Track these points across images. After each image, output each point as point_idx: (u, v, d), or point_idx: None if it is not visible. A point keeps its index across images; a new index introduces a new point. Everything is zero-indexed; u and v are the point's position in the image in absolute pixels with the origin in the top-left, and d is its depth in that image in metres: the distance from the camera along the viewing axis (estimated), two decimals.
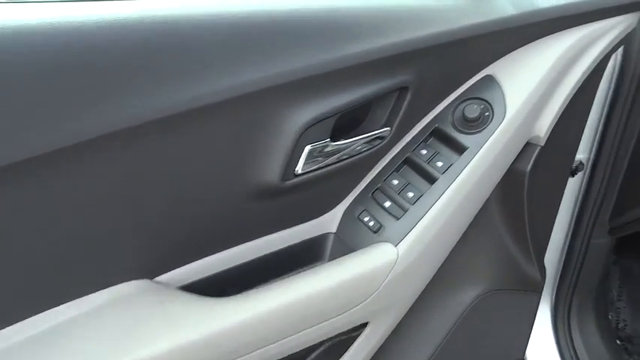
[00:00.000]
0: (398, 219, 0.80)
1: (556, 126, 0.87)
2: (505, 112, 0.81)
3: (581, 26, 0.85)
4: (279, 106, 0.67)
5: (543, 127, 0.86)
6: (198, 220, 0.70)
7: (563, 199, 1.13)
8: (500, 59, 0.84)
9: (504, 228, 0.98)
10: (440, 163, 0.81)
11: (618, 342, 1.49)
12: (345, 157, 0.78)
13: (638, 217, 1.18)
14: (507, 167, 0.86)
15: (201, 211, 0.69)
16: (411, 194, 0.81)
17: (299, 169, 0.73)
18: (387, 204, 0.82)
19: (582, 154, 1.13)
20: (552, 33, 0.84)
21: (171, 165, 0.63)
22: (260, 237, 0.79)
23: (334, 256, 0.83)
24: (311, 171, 0.75)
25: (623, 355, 1.40)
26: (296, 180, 0.74)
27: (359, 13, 0.72)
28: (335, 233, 0.85)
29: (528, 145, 0.88)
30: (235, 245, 0.77)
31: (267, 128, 0.68)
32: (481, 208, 0.89)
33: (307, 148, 0.72)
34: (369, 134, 0.79)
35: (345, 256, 0.77)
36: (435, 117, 0.85)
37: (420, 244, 0.78)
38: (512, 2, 0.83)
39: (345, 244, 0.83)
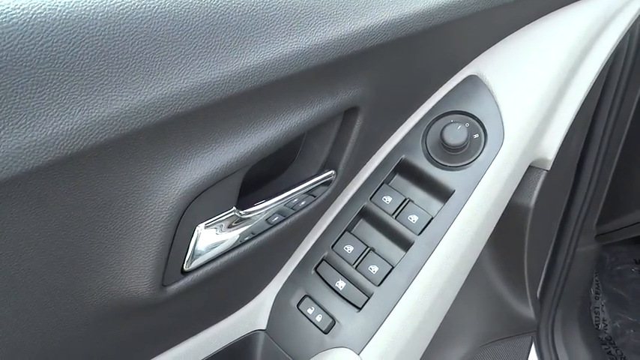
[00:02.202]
0: (359, 309, 0.52)
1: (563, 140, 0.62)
2: (503, 132, 0.54)
3: None
4: (138, 167, 0.36)
5: (552, 145, 0.60)
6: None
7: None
8: (487, 51, 0.57)
9: (497, 273, 0.73)
10: (414, 218, 0.54)
11: (602, 347, 1.36)
12: (267, 227, 0.49)
13: (632, 224, 0.99)
14: (505, 206, 0.60)
15: (37, 346, 0.39)
16: (374, 268, 0.53)
17: (188, 264, 0.43)
18: (340, 285, 0.54)
19: None
20: (559, 7, 0.57)
21: None
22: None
23: None
24: (211, 260, 0.45)
25: None
26: (185, 280, 0.44)
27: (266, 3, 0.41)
28: (265, 331, 0.56)
29: (531, 171, 0.62)
30: None
31: (121, 207, 0.37)
32: None
33: (199, 229, 0.42)
34: (302, 186, 0.50)
35: None
36: (398, 145, 0.57)
37: (393, 348, 0.51)
38: None
39: (280, 348, 0.55)
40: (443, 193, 0.54)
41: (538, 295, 1.14)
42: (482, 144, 0.54)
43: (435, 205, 0.54)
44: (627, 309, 1.40)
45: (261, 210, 0.46)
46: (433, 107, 0.57)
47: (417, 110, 0.57)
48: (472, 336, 0.79)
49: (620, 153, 0.98)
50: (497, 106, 0.55)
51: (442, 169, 0.54)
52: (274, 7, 0.41)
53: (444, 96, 0.57)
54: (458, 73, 0.57)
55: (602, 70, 0.63)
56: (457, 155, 0.55)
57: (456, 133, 0.54)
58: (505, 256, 0.70)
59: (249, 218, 0.46)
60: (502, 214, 0.62)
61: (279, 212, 0.49)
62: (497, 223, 0.62)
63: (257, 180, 0.51)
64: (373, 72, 0.48)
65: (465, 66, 0.57)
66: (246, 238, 0.47)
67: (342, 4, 0.45)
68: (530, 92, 0.55)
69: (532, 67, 0.56)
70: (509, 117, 0.54)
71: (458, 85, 0.57)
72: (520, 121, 0.55)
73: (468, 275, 0.63)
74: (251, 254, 0.48)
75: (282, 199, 0.48)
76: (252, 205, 0.46)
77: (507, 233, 0.65)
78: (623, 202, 1.01)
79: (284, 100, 0.43)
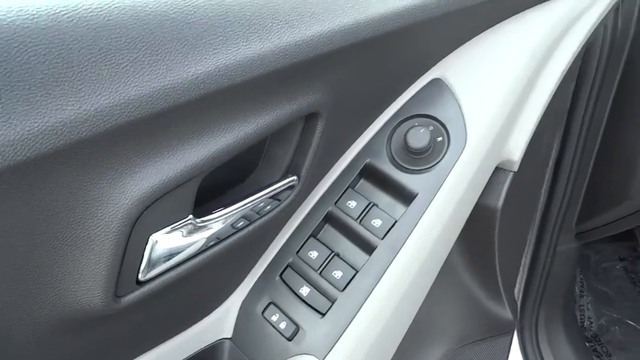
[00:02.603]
0: (323, 315, 0.52)
1: (531, 140, 0.62)
2: (466, 135, 0.54)
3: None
4: (86, 177, 0.36)
5: (517, 147, 0.60)
6: None
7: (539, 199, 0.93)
8: (452, 54, 0.57)
9: (470, 274, 0.73)
10: (377, 222, 0.53)
11: (587, 344, 1.37)
12: (229, 234, 0.48)
13: (610, 222, 1.00)
14: (471, 208, 0.60)
15: None
16: (338, 273, 0.53)
17: (143, 274, 0.43)
18: (304, 291, 0.53)
19: None
20: (522, 10, 0.57)
21: None
22: None
23: None
24: (169, 269, 0.45)
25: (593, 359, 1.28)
26: (141, 291, 0.43)
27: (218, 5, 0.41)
28: (230, 339, 0.56)
29: (497, 172, 0.62)
30: None
31: (70, 218, 0.37)
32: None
33: (154, 238, 0.42)
34: (263, 192, 0.49)
35: None
36: (363, 149, 0.57)
37: (358, 353, 0.51)
38: None
39: (246, 356, 0.54)
40: (406, 197, 0.54)
41: (521, 294, 1.14)
42: (446, 147, 0.54)
43: (399, 209, 0.54)
44: (612, 306, 1.41)
45: (219, 218, 0.46)
46: (398, 111, 0.57)
47: (382, 114, 0.57)
48: (449, 337, 0.79)
49: (597, 151, 0.98)
50: (460, 108, 0.55)
51: (406, 172, 0.54)
52: (228, 13, 0.40)
53: (409, 99, 0.57)
54: (422, 77, 0.57)
55: (572, 69, 0.63)
56: (421, 159, 0.54)
57: (418, 137, 0.53)
58: (476, 258, 0.70)
59: (206, 226, 0.45)
60: (470, 216, 0.62)
61: (241, 219, 0.48)
62: (466, 225, 0.62)
63: (219, 186, 0.50)
64: (333, 77, 0.48)
65: (429, 69, 0.57)
66: (206, 246, 0.47)
67: (298, 8, 0.44)
68: (492, 94, 0.55)
69: (494, 69, 0.56)
70: (471, 119, 0.54)
71: (422, 88, 0.57)
72: (482, 123, 0.54)
73: (441, 277, 0.63)
74: (213, 262, 0.48)
75: (242, 205, 0.48)
76: (211, 213, 0.46)
77: (477, 234, 0.65)
78: (601, 201, 1.02)
79: (239, 107, 0.43)
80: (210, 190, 0.48)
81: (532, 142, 0.63)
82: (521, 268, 1.12)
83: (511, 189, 0.63)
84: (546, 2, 0.59)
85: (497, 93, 0.55)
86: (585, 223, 1.07)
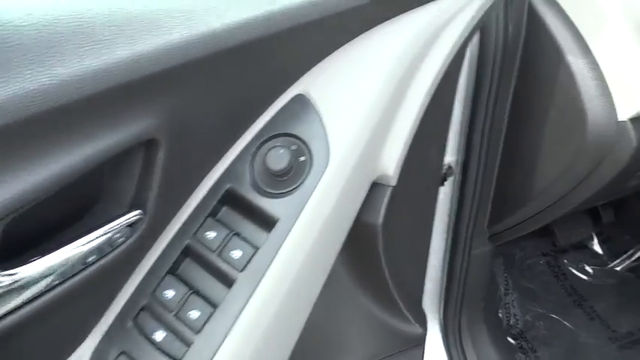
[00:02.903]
0: None
1: (410, 151, 0.60)
2: (328, 153, 0.51)
3: (427, 5, 0.57)
4: None
5: (391, 160, 0.57)
6: None
7: (436, 210, 0.92)
8: (316, 67, 0.54)
9: (363, 292, 0.70)
10: (237, 253, 0.49)
11: (513, 342, 1.39)
12: (60, 280, 0.43)
13: (519, 222, 1.01)
14: (348, 227, 0.57)
15: None
16: (195, 314, 0.48)
17: None
18: (159, 336, 0.48)
19: (451, 156, 0.91)
20: (387, 19, 0.55)
21: None
22: None
23: None
24: None
25: (520, 356, 1.29)
26: None
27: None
28: None
29: (375, 188, 0.60)
30: None
31: None
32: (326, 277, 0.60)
33: None
34: (98, 231, 0.44)
35: None
36: (224, 174, 0.52)
37: None
38: None
39: None
40: (268, 224, 0.50)
41: (442, 301, 1.14)
42: (309, 167, 0.51)
43: (260, 237, 0.50)
44: (537, 301, 1.44)
45: (40, 265, 0.41)
46: (260, 131, 0.53)
47: (244, 135, 0.53)
48: (358, 357, 0.76)
49: (501, 154, 0.99)
50: (323, 125, 0.52)
51: (268, 197, 0.51)
52: (34, 30, 0.35)
53: (271, 118, 0.53)
54: (285, 93, 0.54)
55: (450, 74, 0.61)
56: (283, 181, 0.51)
57: (277, 158, 0.50)
58: (366, 276, 0.67)
59: (19, 279, 0.40)
60: (352, 235, 0.59)
61: (75, 263, 0.43)
62: (350, 244, 0.59)
63: (48, 227, 0.45)
64: (173, 98, 0.44)
65: (292, 84, 0.54)
66: (24, 300, 0.41)
67: (118, 22, 0.40)
68: (356, 108, 0.53)
69: (357, 80, 0.54)
70: (334, 136, 0.51)
71: (285, 105, 0.53)
72: (346, 139, 0.52)
73: (337, 299, 0.60)
74: (43, 314, 0.42)
75: (73, 248, 0.42)
76: (26, 263, 0.40)
77: (361, 253, 0.63)
78: (508, 202, 1.03)
79: (52, 137, 0.37)
80: (35, 232, 0.42)
81: (414, 153, 0.61)
82: (439, 277, 1.12)
83: (393, 204, 0.60)
84: (416, 8, 0.57)
85: (361, 106, 0.53)
86: (497, 225, 1.08)
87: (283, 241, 0.49)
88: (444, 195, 0.99)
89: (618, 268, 1.52)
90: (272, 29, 0.47)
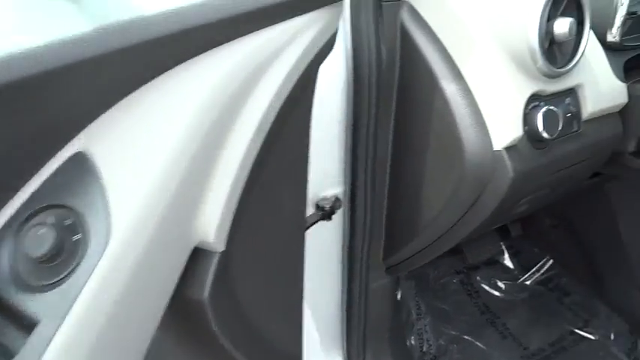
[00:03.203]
0: None
1: (248, 204, 0.51)
2: (109, 227, 0.40)
3: (254, 34, 0.48)
4: None
5: (210, 223, 0.48)
6: None
7: (328, 245, 0.89)
8: (101, 118, 0.43)
9: None
10: None
11: None
12: None
13: (414, 254, 0.95)
14: (156, 314, 0.46)
15: None
16: None
17: None
18: None
19: (337, 188, 0.83)
20: (191, 57, 0.45)
21: None
22: None
23: None
24: None
25: None
26: None
27: None
28: None
29: (197, 257, 0.49)
30: None
31: None
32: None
33: None
34: None
35: None
36: None
37: None
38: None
39: None
40: (26, 326, 0.38)
41: (345, 338, 1.06)
42: (83, 248, 0.40)
43: (18, 343, 0.38)
44: (450, 323, 1.39)
45: None
46: (25, 202, 0.41)
47: (3, 209, 0.41)
48: None
49: (389, 187, 0.93)
50: (105, 192, 0.41)
51: (30, 291, 0.39)
52: None
53: (41, 184, 0.42)
54: (61, 151, 0.42)
55: (283, 115, 0.52)
56: (50, 268, 0.40)
57: (38, 240, 0.39)
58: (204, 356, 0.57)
59: None
60: (178, 313, 0.49)
61: None
62: (177, 324, 0.49)
63: None
64: None
65: (69, 141, 0.42)
66: None
67: None
68: (150, 165, 0.42)
69: (154, 132, 0.43)
70: (118, 206, 0.41)
71: (60, 167, 0.42)
72: (134, 208, 0.41)
73: None
74: None
75: None
76: None
77: (190, 331, 0.52)
78: (402, 233, 0.97)
79: None
80: None
81: (255, 205, 0.52)
82: (339, 315, 1.04)
83: (221, 270, 0.50)
84: (230, 42, 0.48)
85: (157, 163, 0.43)
86: (392, 257, 1.01)
87: (45, 350, 0.37)
88: (336, 228, 0.91)
89: (528, 282, 1.51)
90: (40, 67, 0.36)
